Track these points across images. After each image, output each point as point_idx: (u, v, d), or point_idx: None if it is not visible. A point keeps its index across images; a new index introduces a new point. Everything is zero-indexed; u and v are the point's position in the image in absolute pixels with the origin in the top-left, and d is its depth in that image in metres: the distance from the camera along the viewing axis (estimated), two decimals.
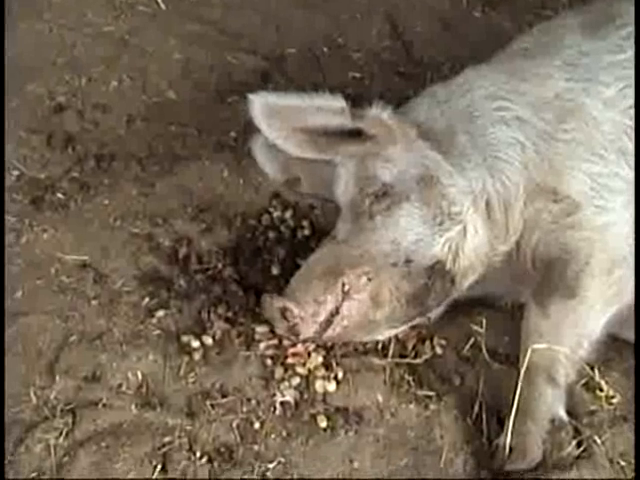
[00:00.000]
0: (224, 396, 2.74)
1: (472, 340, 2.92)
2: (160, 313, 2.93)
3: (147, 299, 2.97)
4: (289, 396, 2.74)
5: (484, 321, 2.93)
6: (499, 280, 2.98)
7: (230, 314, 2.92)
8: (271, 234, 3.16)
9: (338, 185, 2.98)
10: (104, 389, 2.74)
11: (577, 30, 3.08)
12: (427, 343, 2.91)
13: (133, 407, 2.70)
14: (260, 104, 2.89)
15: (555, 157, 2.90)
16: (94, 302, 2.95)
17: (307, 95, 2.88)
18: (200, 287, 3.00)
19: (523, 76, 3.00)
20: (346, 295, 2.76)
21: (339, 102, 2.84)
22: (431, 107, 2.99)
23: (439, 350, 2.91)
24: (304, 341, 2.79)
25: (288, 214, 3.21)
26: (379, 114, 2.86)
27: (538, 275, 2.87)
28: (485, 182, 2.89)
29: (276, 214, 3.21)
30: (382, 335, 2.87)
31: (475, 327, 2.93)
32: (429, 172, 2.88)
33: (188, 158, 3.36)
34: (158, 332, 2.89)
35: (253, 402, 2.73)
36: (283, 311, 2.75)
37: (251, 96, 2.89)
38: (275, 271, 3.06)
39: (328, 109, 2.85)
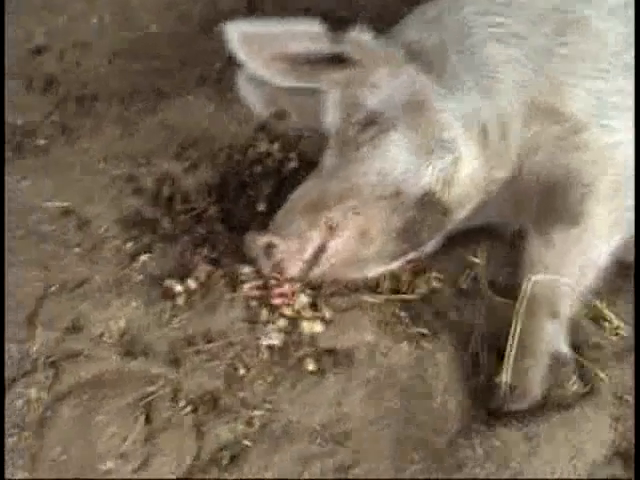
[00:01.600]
0: (208, 342, 2.61)
1: (470, 273, 2.76)
2: (144, 257, 2.81)
3: (130, 243, 2.85)
4: (275, 339, 2.60)
5: (483, 252, 2.77)
6: (499, 208, 2.79)
7: (215, 255, 2.78)
8: (257, 168, 3.01)
9: (325, 114, 2.81)
10: (86, 339, 2.62)
11: None
12: (422, 277, 2.74)
13: (115, 357, 2.58)
14: (237, 33, 2.73)
15: (555, 74, 2.69)
16: (76, 249, 2.82)
17: (284, 22, 2.71)
18: (184, 228, 2.87)
19: None
20: (332, 231, 2.62)
21: (316, 27, 2.67)
22: (420, 26, 2.80)
23: (435, 284, 2.74)
24: (290, 279, 2.65)
25: (275, 147, 3.05)
26: (359, 37, 2.69)
27: (540, 201, 2.68)
28: (479, 104, 2.69)
29: (262, 147, 3.05)
30: (373, 271, 2.72)
31: (473, 259, 2.77)
32: (417, 97, 2.70)
33: (171, 94, 3.24)
34: (141, 277, 2.76)
35: (238, 347, 2.59)
36: (267, 247, 2.61)
37: (228, 26, 2.73)
38: (261, 207, 2.91)
39: (305, 35, 2.68)
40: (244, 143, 3.05)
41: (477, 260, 2.76)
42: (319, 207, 2.63)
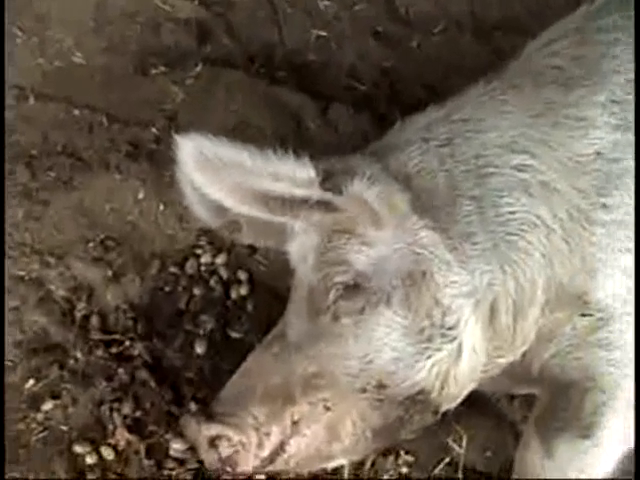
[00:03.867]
0: None
1: (447, 458, 2.32)
2: (48, 405, 2.26)
3: (32, 380, 2.29)
4: None
5: (464, 435, 2.31)
6: (493, 380, 2.26)
7: (138, 414, 2.24)
8: (197, 290, 2.43)
9: (294, 244, 2.20)
10: None
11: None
12: (390, 459, 2.30)
13: None
14: (193, 153, 2.04)
15: (589, 248, 2.13)
16: None
17: (260, 154, 2.00)
18: (101, 367, 2.31)
19: (554, 118, 2.18)
20: (295, 428, 2.07)
21: (307, 171, 2.01)
22: (427, 153, 2.17)
23: (404, 469, 2.29)
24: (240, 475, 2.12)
25: (220, 259, 2.47)
26: (363, 194, 2.03)
27: (547, 398, 2.18)
28: (493, 278, 2.12)
29: (204, 259, 2.46)
30: (337, 463, 2.19)
31: (452, 443, 2.32)
32: (420, 266, 2.09)
33: (93, 165, 2.53)
34: (44, 435, 2.23)
35: None
36: (215, 439, 2.06)
37: (180, 140, 2.04)
38: (199, 350, 2.36)
39: (290, 180, 2.01)
40: (182, 248, 2.45)
41: (456, 446, 2.32)
42: (283, 396, 2.06)
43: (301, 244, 2.19)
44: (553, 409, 2.18)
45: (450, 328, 2.09)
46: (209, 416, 2.09)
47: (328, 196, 2.03)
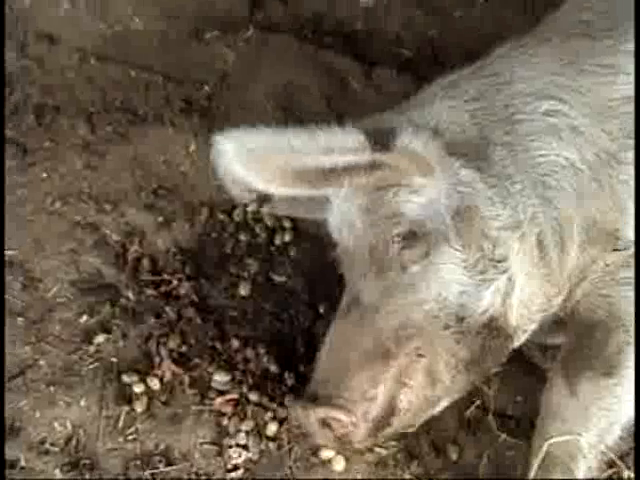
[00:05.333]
0: (168, 464, 2.23)
1: (478, 401, 2.38)
2: (100, 338, 2.39)
3: (85, 316, 2.42)
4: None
5: (495, 379, 2.38)
6: None
7: (184, 349, 2.36)
8: (243, 236, 2.54)
9: (336, 218, 2.30)
10: (25, 446, 2.22)
11: None
12: None
13: (57, 471, 2.20)
14: (234, 150, 2.19)
15: (618, 187, 2.23)
16: (20, 319, 2.39)
17: (304, 132, 2.12)
18: (150, 305, 2.44)
19: (582, 66, 2.28)
20: (399, 383, 2.13)
21: (357, 137, 2.12)
22: (454, 109, 2.28)
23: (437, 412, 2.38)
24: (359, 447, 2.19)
25: (266, 210, 2.53)
26: (411, 145, 2.13)
27: (573, 337, 2.27)
28: (535, 212, 2.22)
29: (251, 208, 2.54)
30: (440, 408, 2.25)
31: (482, 386, 2.37)
32: (465, 202, 2.20)
33: (149, 119, 2.72)
34: (95, 366, 2.35)
35: (202, 474, 2.21)
36: (325, 420, 2.13)
37: (220, 139, 2.20)
38: (243, 291, 2.46)
39: (341, 149, 2.12)
40: (230, 199, 2.53)
41: (487, 389, 2.39)
42: (380, 356, 2.13)
43: (343, 212, 2.28)
44: (578, 349, 2.26)
45: (500, 260, 2.18)
46: (314, 400, 2.14)
47: (378, 156, 2.14)
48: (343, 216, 2.26)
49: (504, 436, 2.35)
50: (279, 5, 2.98)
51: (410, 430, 2.24)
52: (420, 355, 2.15)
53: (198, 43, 2.86)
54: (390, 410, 2.14)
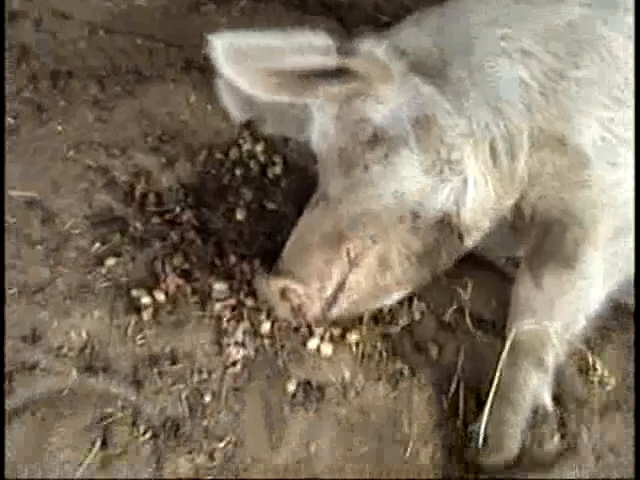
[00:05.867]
0: (174, 363, 2.46)
1: (455, 304, 2.62)
2: (111, 261, 2.63)
3: (97, 244, 2.67)
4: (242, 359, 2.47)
5: (470, 283, 2.62)
6: (495, 238, 2.60)
7: (186, 266, 2.62)
8: (238, 171, 2.83)
9: (314, 129, 2.59)
10: (43, 351, 2.46)
11: None
12: (405, 307, 2.60)
13: (74, 372, 2.43)
14: (224, 47, 2.45)
15: (564, 99, 2.49)
16: (39, 247, 2.64)
17: (281, 33, 2.42)
18: (156, 232, 2.69)
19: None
20: (352, 264, 2.42)
21: (323, 39, 2.39)
22: (420, 35, 2.57)
23: (417, 315, 2.60)
24: (312, 321, 2.46)
25: (259, 148, 2.86)
26: (372, 51, 2.43)
27: (535, 236, 2.52)
28: (487, 123, 2.49)
29: (246, 147, 2.86)
30: (392, 300, 2.54)
31: (460, 290, 2.62)
32: (425, 112, 2.48)
33: (152, 78, 3.01)
34: (106, 284, 2.59)
35: (204, 371, 2.45)
36: (284, 292, 2.42)
37: (212, 38, 2.44)
38: (240, 216, 2.74)
39: (310, 49, 2.40)
40: (227, 141, 2.86)
41: (463, 293, 2.62)
42: (336, 240, 2.43)
43: (321, 123, 2.57)
44: (539, 246, 2.50)
45: (456, 162, 2.46)
46: (276, 273, 2.45)
47: (343, 60, 2.41)
48: (320, 127, 2.55)
49: (480, 334, 2.58)
50: None
51: (359, 313, 2.49)
52: (374, 242, 2.42)
53: (197, 15, 3.19)
54: (340, 288, 2.41)
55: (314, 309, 2.43)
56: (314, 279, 2.41)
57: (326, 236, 2.44)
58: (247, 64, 2.42)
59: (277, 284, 2.42)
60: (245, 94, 2.54)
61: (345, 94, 2.50)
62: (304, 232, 2.50)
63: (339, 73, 2.46)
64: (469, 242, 2.56)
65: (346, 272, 2.42)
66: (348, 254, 2.42)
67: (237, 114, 2.75)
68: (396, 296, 2.54)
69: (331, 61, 2.42)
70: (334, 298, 2.42)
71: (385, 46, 2.43)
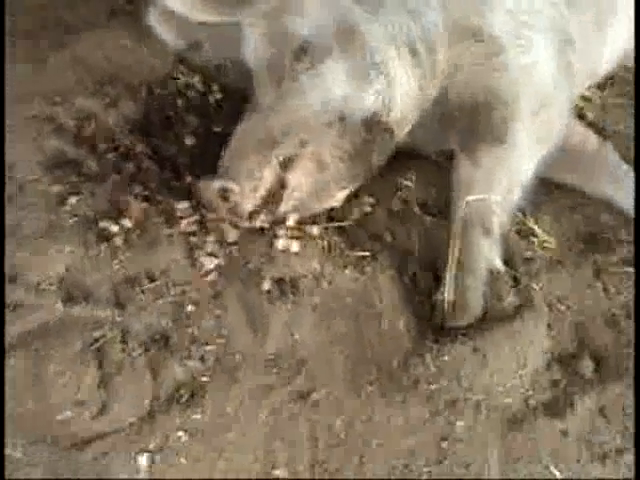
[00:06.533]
0: (151, 280, 2.61)
1: (401, 195, 2.86)
2: (72, 200, 2.74)
3: (56, 186, 2.76)
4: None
5: (412, 174, 2.86)
6: (425, 127, 2.84)
7: (147, 192, 2.76)
8: (180, 102, 2.98)
9: (248, 47, 2.78)
10: (24, 289, 2.56)
11: None
12: (354, 202, 2.81)
13: (58, 304, 2.55)
14: None
15: None
16: None
17: None
18: (111, 166, 2.82)
19: None
20: (287, 166, 2.62)
21: None
22: None
23: (368, 208, 2.82)
24: (249, 219, 2.63)
25: (196, 79, 3.02)
26: None
27: (465, 122, 2.77)
28: (405, 26, 2.73)
29: (183, 80, 3.01)
30: (335, 200, 2.74)
31: (404, 181, 2.86)
32: (346, 22, 2.70)
33: (81, 28, 3.11)
34: (73, 220, 2.69)
35: (182, 283, 2.61)
36: (221, 193, 2.60)
37: None
38: (189, 141, 2.90)
39: None
40: (164, 76, 2.99)
41: (407, 182, 2.85)
42: (267, 144, 2.62)
43: (252, 40, 2.75)
44: (471, 129, 2.75)
45: (380, 64, 2.68)
46: (214, 177, 2.64)
47: None
48: (251, 44, 2.74)
49: (429, 218, 2.81)
50: None
51: (311, 212, 2.70)
52: (304, 145, 2.63)
53: None
54: (279, 188, 2.61)
55: (247, 206, 2.62)
56: (247, 179, 2.60)
57: (259, 142, 2.64)
58: None
59: (214, 185, 2.61)
60: (180, 19, 2.74)
61: (270, 11, 2.70)
62: (239, 140, 2.69)
63: None
64: (399, 136, 2.79)
65: (280, 172, 2.63)
66: (278, 157, 2.63)
67: (173, 43, 2.91)
68: (340, 195, 2.75)
69: None
70: (276, 196, 2.63)
71: None
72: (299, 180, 2.64)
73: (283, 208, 2.65)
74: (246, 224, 2.65)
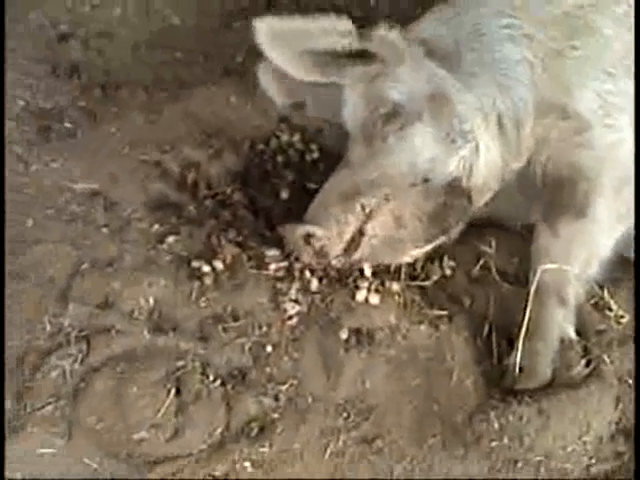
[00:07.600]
0: (236, 320, 2.75)
1: (482, 261, 2.94)
2: (170, 239, 2.93)
3: (157, 225, 2.97)
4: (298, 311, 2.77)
5: (493, 242, 2.95)
6: (510, 199, 2.97)
7: (240, 238, 2.92)
8: (279, 158, 3.17)
9: (346, 108, 2.98)
10: (117, 315, 2.74)
11: None
12: (436, 264, 2.92)
13: (146, 332, 2.71)
14: (265, 29, 2.85)
15: (564, 74, 2.89)
16: (104, 230, 2.94)
17: (312, 18, 2.83)
18: (209, 212, 3.01)
19: None
20: (368, 216, 2.78)
21: (345, 23, 2.81)
22: (437, 25, 2.98)
23: (448, 271, 2.92)
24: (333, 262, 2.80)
25: (296, 138, 3.21)
26: (386, 34, 2.83)
27: (548, 194, 2.87)
28: (495, 99, 2.89)
29: (284, 138, 3.20)
30: (408, 256, 2.86)
31: (484, 248, 2.95)
32: (438, 90, 2.87)
33: (194, 84, 3.36)
34: (169, 258, 2.89)
35: (264, 325, 2.74)
36: (307, 237, 2.77)
37: (256, 21, 2.86)
38: (284, 195, 3.07)
39: (334, 31, 2.81)
40: (267, 133, 3.20)
41: (488, 250, 2.94)
42: (353, 195, 2.79)
43: (350, 102, 2.95)
44: (553, 201, 2.85)
45: (467, 132, 2.84)
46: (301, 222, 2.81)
47: (363, 43, 2.80)
48: (350, 106, 2.93)
49: (506, 286, 2.90)
50: (291, 4, 3.67)
51: (382, 263, 2.81)
52: (387, 200, 2.78)
53: (228, 30, 3.55)
54: (358, 234, 2.76)
55: (335, 250, 2.79)
56: (333, 225, 2.78)
57: (345, 193, 2.82)
58: (284, 45, 2.82)
59: (301, 230, 2.78)
60: (287, 80, 2.93)
61: (369, 74, 2.89)
62: (326, 191, 2.88)
63: (363, 56, 2.85)
64: (477, 204, 2.92)
65: (362, 221, 2.78)
66: (363, 207, 2.79)
67: (279, 101, 3.11)
68: (413, 252, 2.87)
69: (352, 43, 2.82)
70: (355, 243, 2.78)
71: (397, 31, 2.82)
72: (376, 231, 2.78)
73: (358, 254, 2.80)
74: (326, 263, 2.80)
